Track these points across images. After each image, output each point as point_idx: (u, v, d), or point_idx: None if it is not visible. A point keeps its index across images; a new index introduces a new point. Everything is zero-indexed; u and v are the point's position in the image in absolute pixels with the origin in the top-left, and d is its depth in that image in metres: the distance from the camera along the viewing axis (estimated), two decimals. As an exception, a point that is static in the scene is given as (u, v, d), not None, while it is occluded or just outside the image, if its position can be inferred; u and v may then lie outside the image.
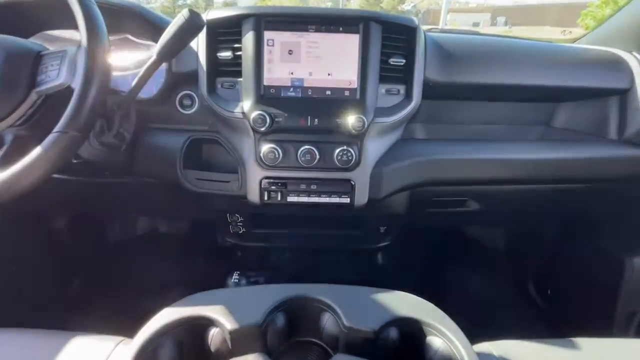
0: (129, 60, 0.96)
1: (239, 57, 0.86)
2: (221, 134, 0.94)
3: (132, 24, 0.91)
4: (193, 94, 0.95)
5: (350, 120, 0.82)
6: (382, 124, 0.87)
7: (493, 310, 1.49)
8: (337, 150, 0.85)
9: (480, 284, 1.63)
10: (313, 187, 0.90)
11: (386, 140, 0.92)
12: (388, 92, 0.89)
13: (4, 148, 0.65)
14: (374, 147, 0.90)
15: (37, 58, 0.67)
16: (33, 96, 0.65)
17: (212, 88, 0.89)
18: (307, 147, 0.84)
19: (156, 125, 0.97)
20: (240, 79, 0.87)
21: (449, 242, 1.64)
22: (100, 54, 0.63)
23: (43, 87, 0.65)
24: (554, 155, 0.99)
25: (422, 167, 0.95)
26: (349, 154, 0.84)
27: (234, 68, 0.87)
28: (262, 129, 0.82)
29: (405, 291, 0.60)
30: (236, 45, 0.86)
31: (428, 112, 1.00)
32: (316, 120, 0.84)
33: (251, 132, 0.87)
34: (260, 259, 1.31)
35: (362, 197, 0.92)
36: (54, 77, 0.64)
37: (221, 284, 1.14)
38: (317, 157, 0.85)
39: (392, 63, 0.87)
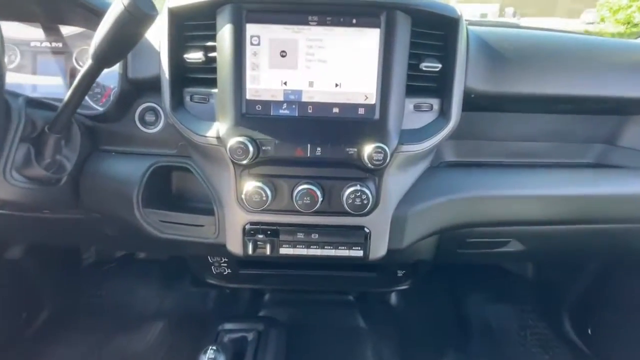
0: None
1: (214, 59, 0.62)
2: (194, 161, 0.71)
3: (70, 11, 0.68)
4: (158, 107, 0.72)
5: (367, 149, 0.59)
6: (410, 153, 0.63)
7: (523, 347, 1.27)
8: (348, 192, 0.61)
9: (507, 319, 1.40)
10: (314, 236, 0.67)
11: (413, 172, 0.69)
12: (417, 108, 0.65)
13: None
14: (397, 183, 0.67)
15: None
16: None
17: (177, 101, 0.66)
18: (305, 186, 0.61)
19: (109, 147, 0.74)
20: (216, 90, 0.63)
21: (473, 274, 1.41)
22: None
23: None
24: (623, 189, 0.76)
25: (458, 207, 0.72)
26: (364, 196, 0.61)
27: (207, 75, 0.64)
28: (244, 161, 0.59)
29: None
30: (209, 44, 0.63)
31: (459, 125, 0.77)
32: (319, 149, 0.61)
33: (231, 164, 0.64)
34: (249, 302, 1.09)
35: (379, 248, 0.69)
36: None
37: (205, 325, 0.93)
38: (320, 199, 0.61)
39: (424, 68, 0.63)
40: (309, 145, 0.61)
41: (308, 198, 0.61)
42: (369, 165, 0.59)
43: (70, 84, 0.63)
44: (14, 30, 0.79)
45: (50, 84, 0.79)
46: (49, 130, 0.63)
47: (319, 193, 0.61)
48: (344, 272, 0.97)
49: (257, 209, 0.62)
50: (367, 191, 0.61)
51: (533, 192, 0.75)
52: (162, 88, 0.64)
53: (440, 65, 0.64)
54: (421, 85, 0.65)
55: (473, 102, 0.69)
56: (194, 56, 0.63)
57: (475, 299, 1.41)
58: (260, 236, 0.67)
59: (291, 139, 0.61)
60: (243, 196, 0.62)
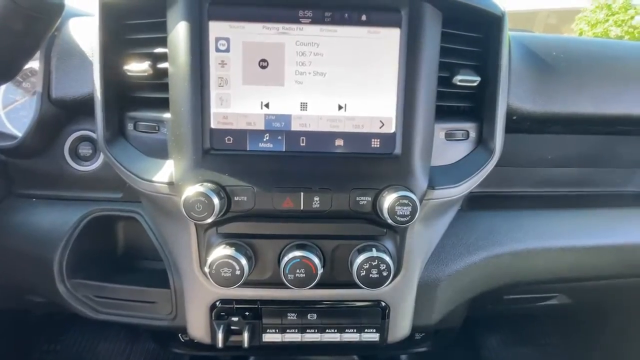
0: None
1: (165, 72, 0.44)
2: (145, 210, 0.52)
3: None
4: (94, 135, 0.53)
5: (387, 200, 0.41)
6: (443, 200, 0.45)
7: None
8: (359, 261, 0.42)
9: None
10: (311, 317, 0.47)
11: (443, 223, 0.51)
12: (450, 136, 0.48)
13: None
14: (424, 239, 0.49)
15: None
16: None
17: (116, 130, 0.47)
18: (298, 253, 0.42)
19: (28, 192, 0.54)
20: (168, 116, 0.44)
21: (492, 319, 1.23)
22: None
23: None
24: None
25: (502, 263, 0.54)
26: (383, 266, 0.42)
27: (155, 94, 0.46)
28: (207, 219, 0.40)
29: None
30: (159, 51, 0.44)
31: None
32: (316, 198, 0.42)
33: (193, 222, 0.45)
34: None
35: (401, 327, 0.50)
36: None
37: None
38: (319, 270, 0.42)
39: (458, 83, 0.46)
40: (302, 194, 0.42)
41: (302, 270, 0.42)
42: (390, 221, 0.41)
43: None
44: None
45: None
46: None
47: (316, 262, 0.42)
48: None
49: (226, 286, 0.42)
50: (386, 257, 0.42)
51: (591, 242, 0.58)
52: (95, 112, 0.46)
53: (478, 79, 0.47)
54: (453, 105, 0.48)
55: (512, 126, 0.52)
56: (138, 68, 0.44)
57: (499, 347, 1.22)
58: (235, 319, 0.47)
59: (276, 184, 0.42)
60: (207, 268, 0.42)
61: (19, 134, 0.55)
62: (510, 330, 1.14)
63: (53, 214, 0.53)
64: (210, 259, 0.42)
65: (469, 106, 0.49)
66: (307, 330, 0.48)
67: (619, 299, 0.85)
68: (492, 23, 0.46)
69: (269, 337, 0.48)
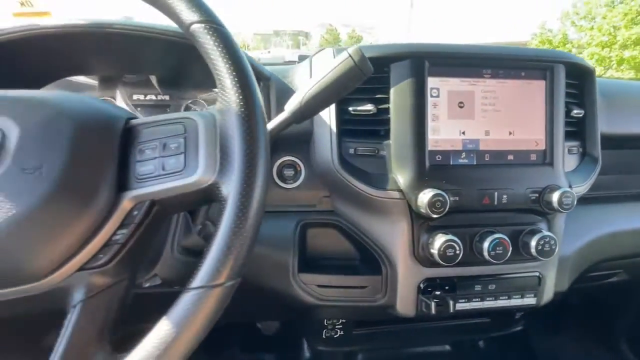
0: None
1: (384, 111, 0.61)
2: (344, 217, 0.67)
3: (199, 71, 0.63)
4: (297, 160, 0.68)
5: (555, 195, 0.60)
6: (576, 194, 0.65)
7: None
8: (537, 238, 0.60)
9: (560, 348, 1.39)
10: (491, 287, 0.64)
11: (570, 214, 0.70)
12: (570, 151, 0.69)
13: (69, 321, 0.32)
14: (562, 224, 0.68)
15: (127, 132, 0.37)
16: (125, 205, 0.34)
17: (340, 155, 0.62)
18: (498, 235, 0.59)
19: None
20: (387, 142, 0.61)
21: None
22: (262, 129, 0.35)
23: (148, 188, 0.34)
24: None
25: (604, 242, 0.74)
26: (552, 242, 0.60)
27: (376, 127, 0.62)
28: (440, 214, 0.56)
29: None
30: (379, 96, 0.62)
31: None
32: (504, 196, 0.60)
33: (408, 218, 0.61)
34: None
35: (548, 292, 0.67)
36: (175, 167, 0.34)
37: None
38: (511, 246, 0.60)
39: (574, 115, 0.67)
40: (495, 193, 0.60)
41: (501, 248, 0.59)
42: (559, 209, 0.60)
43: None
44: None
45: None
46: None
47: (509, 242, 0.59)
48: (458, 320, 0.93)
49: (449, 263, 0.58)
50: (553, 236, 0.61)
51: None
52: (319, 141, 0.61)
53: (583, 111, 0.68)
54: (569, 130, 0.69)
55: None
56: (364, 108, 0.61)
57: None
58: (438, 292, 0.62)
59: (475, 187, 0.60)
60: (434, 251, 0.58)
61: None
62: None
63: (274, 224, 0.66)
64: (436, 244, 0.58)
65: (576, 130, 0.70)
66: (486, 298, 0.64)
67: None
68: (588, 73, 0.69)
69: (460, 305, 0.63)
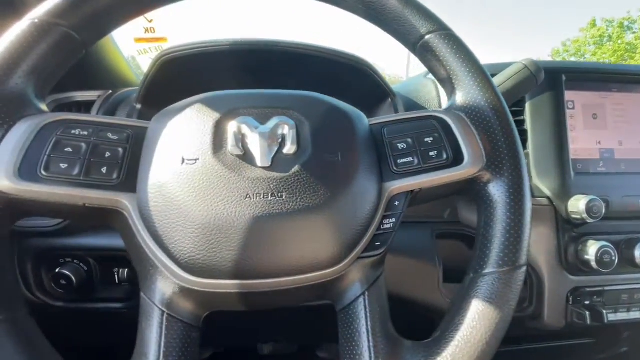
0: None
1: (519, 123, 0.64)
2: (473, 228, 0.67)
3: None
4: None
5: None
6: None
7: None
8: None
9: None
10: (637, 296, 0.63)
11: None
12: None
13: (361, 313, 0.32)
14: None
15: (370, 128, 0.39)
16: (388, 195, 0.35)
17: None
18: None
19: None
20: (526, 151, 0.64)
21: None
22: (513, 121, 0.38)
23: (410, 179, 0.35)
24: None
25: None
26: None
27: None
28: (593, 219, 0.57)
29: None
30: (513, 109, 0.65)
31: None
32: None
33: (553, 226, 0.61)
34: None
35: None
36: (439, 160, 0.36)
37: None
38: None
39: None
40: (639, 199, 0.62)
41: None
42: None
43: None
44: None
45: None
46: None
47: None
48: (557, 341, 0.90)
49: (606, 269, 0.58)
50: None
51: None
52: None
53: None
54: None
55: None
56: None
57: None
58: (587, 302, 0.62)
59: (618, 194, 0.62)
60: (589, 257, 0.58)
61: None
62: None
63: (415, 233, 0.66)
64: (591, 250, 0.58)
65: None
66: (633, 309, 0.63)
67: None
68: None
69: (611, 317, 0.62)
